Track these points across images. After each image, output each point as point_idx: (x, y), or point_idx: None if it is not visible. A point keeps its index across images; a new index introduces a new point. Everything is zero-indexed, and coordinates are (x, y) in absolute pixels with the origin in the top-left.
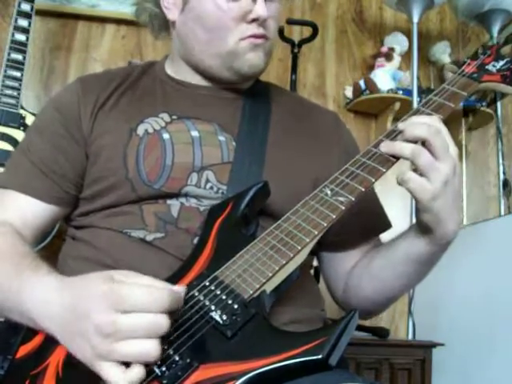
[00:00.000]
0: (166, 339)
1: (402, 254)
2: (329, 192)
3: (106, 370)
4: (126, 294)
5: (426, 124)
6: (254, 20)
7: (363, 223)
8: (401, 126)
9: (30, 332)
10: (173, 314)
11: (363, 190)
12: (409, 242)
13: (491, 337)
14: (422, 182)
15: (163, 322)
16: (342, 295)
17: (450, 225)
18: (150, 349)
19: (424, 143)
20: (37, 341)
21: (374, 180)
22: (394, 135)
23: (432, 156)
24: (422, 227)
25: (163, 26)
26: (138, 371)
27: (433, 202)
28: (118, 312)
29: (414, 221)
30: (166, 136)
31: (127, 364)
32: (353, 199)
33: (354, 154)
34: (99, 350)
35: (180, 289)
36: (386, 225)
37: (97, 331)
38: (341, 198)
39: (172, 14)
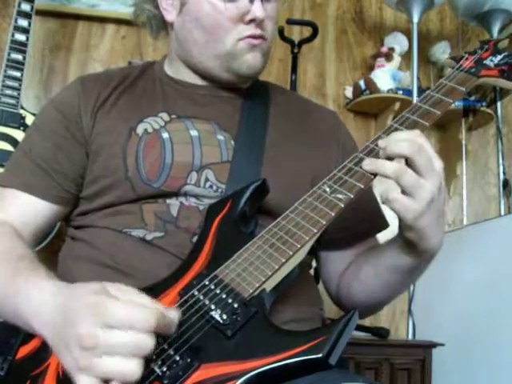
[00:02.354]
0: (153, 356)
1: (388, 265)
2: (327, 189)
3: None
4: (112, 309)
5: (407, 141)
6: (251, 21)
7: (359, 223)
8: (381, 143)
9: (30, 333)
10: (164, 336)
11: (362, 187)
12: (394, 255)
13: (491, 337)
14: (407, 202)
15: (147, 343)
16: (334, 295)
17: (433, 240)
18: (131, 368)
19: (407, 160)
20: (37, 342)
21: (373, 177)
22: (375, 152)
23: (416, 174)
24: (405, 243)
25: (162, 26)
26: None
27: (417, 221)
28: (101, 326)
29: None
30: (165, 135)
31: (108, 381)
32: (352, 196)
33: (352, 153)
34: (79, 362)
35: (173, 313)
36: (382, 225)
37: (78, 343)
38: (340, 196)
39: (170, 16)
